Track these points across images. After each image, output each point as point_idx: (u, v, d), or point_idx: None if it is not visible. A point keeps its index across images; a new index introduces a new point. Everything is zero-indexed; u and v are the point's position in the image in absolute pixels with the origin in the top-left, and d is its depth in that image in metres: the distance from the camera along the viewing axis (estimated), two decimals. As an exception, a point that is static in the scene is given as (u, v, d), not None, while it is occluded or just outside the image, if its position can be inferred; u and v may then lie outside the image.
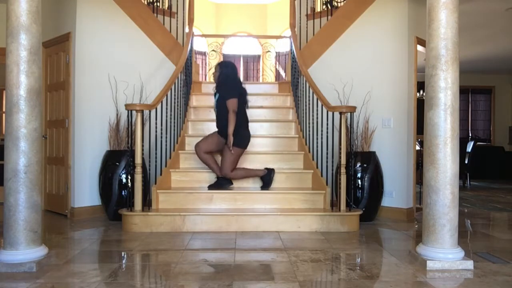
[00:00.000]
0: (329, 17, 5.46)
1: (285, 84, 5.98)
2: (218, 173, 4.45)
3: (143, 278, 2.82)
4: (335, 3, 5.72)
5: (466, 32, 6.16)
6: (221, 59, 9.30)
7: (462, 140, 7.15)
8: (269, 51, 8.19)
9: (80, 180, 4.70)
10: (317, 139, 4.52)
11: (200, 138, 4.71)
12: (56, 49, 4.95)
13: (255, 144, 4.97)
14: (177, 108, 4.88)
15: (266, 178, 4.46)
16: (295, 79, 5.54)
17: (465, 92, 10.50)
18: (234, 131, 4.27)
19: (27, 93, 2.85)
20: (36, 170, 2.89)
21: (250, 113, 5.26)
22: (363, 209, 4.38)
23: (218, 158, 4.58)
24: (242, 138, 4.37)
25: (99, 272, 2.80)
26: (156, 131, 4.36)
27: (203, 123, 5.26)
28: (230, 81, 4.44)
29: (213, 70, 7.93)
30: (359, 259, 3.24)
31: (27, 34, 2.84)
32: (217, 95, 4.46)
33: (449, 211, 2.93)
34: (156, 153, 4.31)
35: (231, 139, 4.26)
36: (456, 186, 2.96)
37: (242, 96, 4.42)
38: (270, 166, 4.60)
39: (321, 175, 4.48)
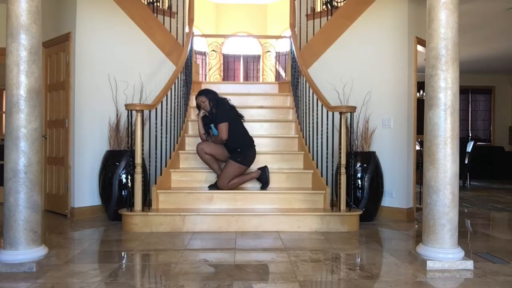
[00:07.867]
0: (329, 17, 5.46)
1: (285, 84, 5.98)
2: (219, 173, 4.45)
3: (143, 278, 2.82)
4: (335, 3, 5.72)
5: (466, 32, 6.16)
6: (221, 59, 9.31)
7: (462, 140, 7.15)
8: (269, 51, 8.19)
9: (80, 180, 4.70)
10: (317, 139, 4.52)
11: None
12: (56, 49, 4.95)
13: (255, 144, 4.96)
14: (177, 108, 4.88)
15: (263, 178, 4.46)
16: (295, 79, 5.54)
17: (465, 92, 10.51)
18: (240, 149, 4.38)
19: (27, 93, 2.85)
20: (36, 170, 2.89)
21: (251, 113, 5.30)
22: (363, 209, 4.37)
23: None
24: (247, 156, 4.42)
25: (99, 272, 2.80)
26: (156, 131, 4.36)
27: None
28: (220, 105, 4.43)
29: (213, 70, 8.01)
30: (359, 259, 3.24)
31: (27, 34, 2.84)
32: (213, 128, 4.45)
33: (449, 211, 2.93)
34: (156, 153, 4.31)
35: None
36: (456, 186, 2.96)
37: (236, 116, 4.48)
38: (269, 166, 4.59)
39: (321, 175, 4.47)
